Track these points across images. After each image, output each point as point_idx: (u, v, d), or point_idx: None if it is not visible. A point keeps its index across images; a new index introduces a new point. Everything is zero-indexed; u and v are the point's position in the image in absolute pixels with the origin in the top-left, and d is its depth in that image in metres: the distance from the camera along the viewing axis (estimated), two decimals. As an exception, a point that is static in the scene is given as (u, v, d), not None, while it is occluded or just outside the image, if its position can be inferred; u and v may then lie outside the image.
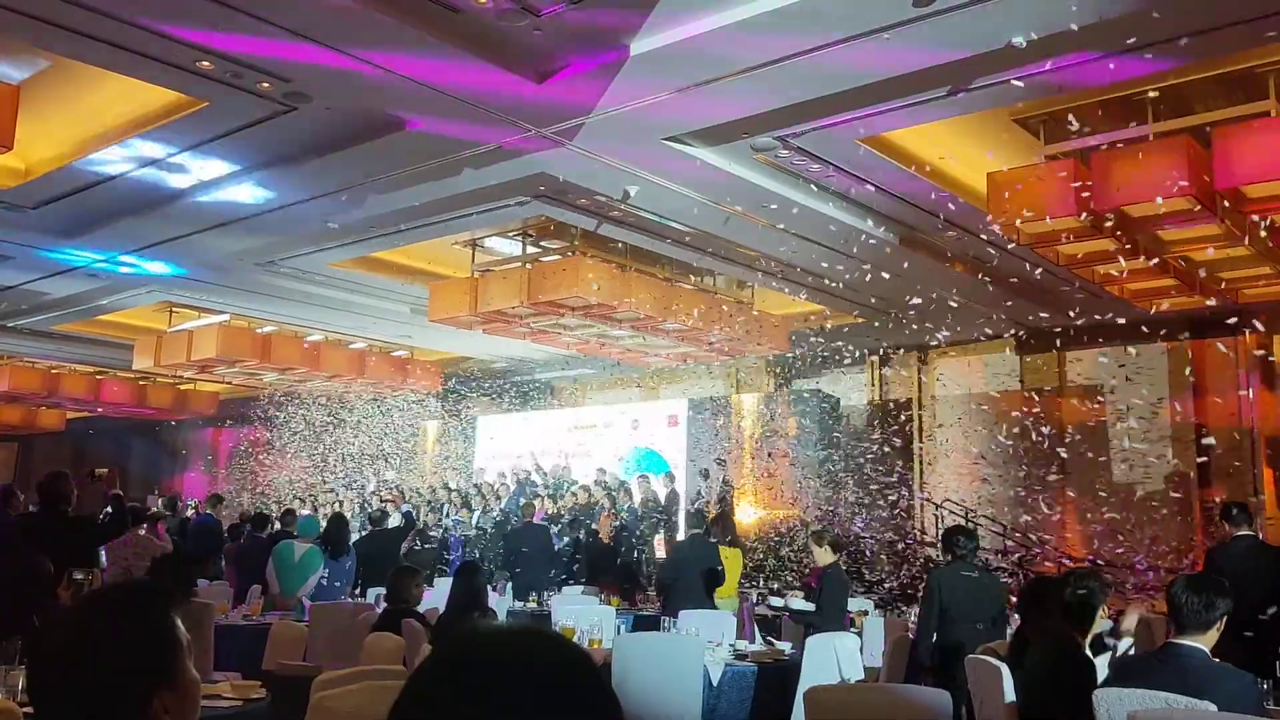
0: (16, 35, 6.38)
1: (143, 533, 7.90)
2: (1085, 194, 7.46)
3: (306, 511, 13.48)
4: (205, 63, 6.59)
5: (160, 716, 1.55)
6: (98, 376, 18.53)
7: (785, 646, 6.51)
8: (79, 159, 8.73)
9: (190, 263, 11.42)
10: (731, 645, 6.48)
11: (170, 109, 7.84)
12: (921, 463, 14.57)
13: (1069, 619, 3.72)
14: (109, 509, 6.92)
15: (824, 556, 6.83)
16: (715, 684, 5.61)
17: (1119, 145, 7.50)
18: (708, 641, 6.06)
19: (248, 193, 9.13)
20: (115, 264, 11.36)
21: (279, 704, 3.69)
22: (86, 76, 7.42)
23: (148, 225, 10.13)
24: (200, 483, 21.04)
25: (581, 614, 6.85)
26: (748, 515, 14.46)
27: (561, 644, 0.98)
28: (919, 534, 13.84)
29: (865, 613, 8.46)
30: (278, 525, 10.42)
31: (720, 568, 8.38)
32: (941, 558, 6.91)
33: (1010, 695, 3.47)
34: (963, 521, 13.16)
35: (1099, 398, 13.28)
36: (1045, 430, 13.26)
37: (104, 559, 5.91)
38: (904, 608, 10.62)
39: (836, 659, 5.46)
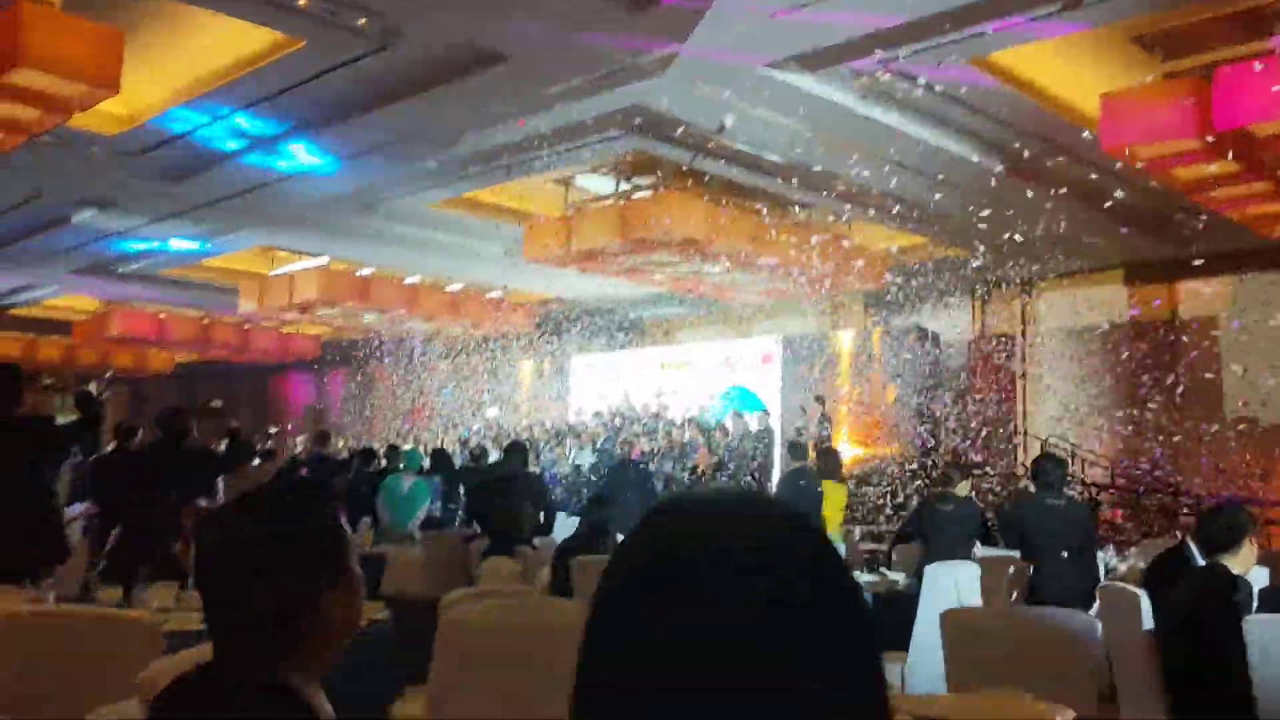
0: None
1: (255, 464, 8.13)
2: (1207, 114, 7.10)
3: (409, 446, 13.71)
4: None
5: (332, 614, 1.52)
6: (204, 321, 19.04)
7: (899, 577, 6.45)
8: (183, 104, 8.87)
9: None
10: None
11: (269, 51, 7.91)
12: (1025, 399, 14.23)
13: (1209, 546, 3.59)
14: (225, 441, 7.09)
15: (962, 490, 6.84)
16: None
17: (1244, 60, 7.11)
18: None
19: (345, 134, 9.19)
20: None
21: (400, 625, 3.76)
22: (188, 19, 7.50)
23: (249, 170, 10.29)
24: (303, 424, 21.54)
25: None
26: (845, 453, 14.30)
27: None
28: (1022, 471, 13.55)
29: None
30: (384, 461, 10.62)
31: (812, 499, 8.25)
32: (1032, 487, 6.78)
33: (1149, 623, 3.36)
34: (1068, 459, 12.87)
35: (1213, 330, 12.77)
36: (1156, 364, 12.86)
37: (222, 491, 6.08)
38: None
39: (956, 588, 5.37)
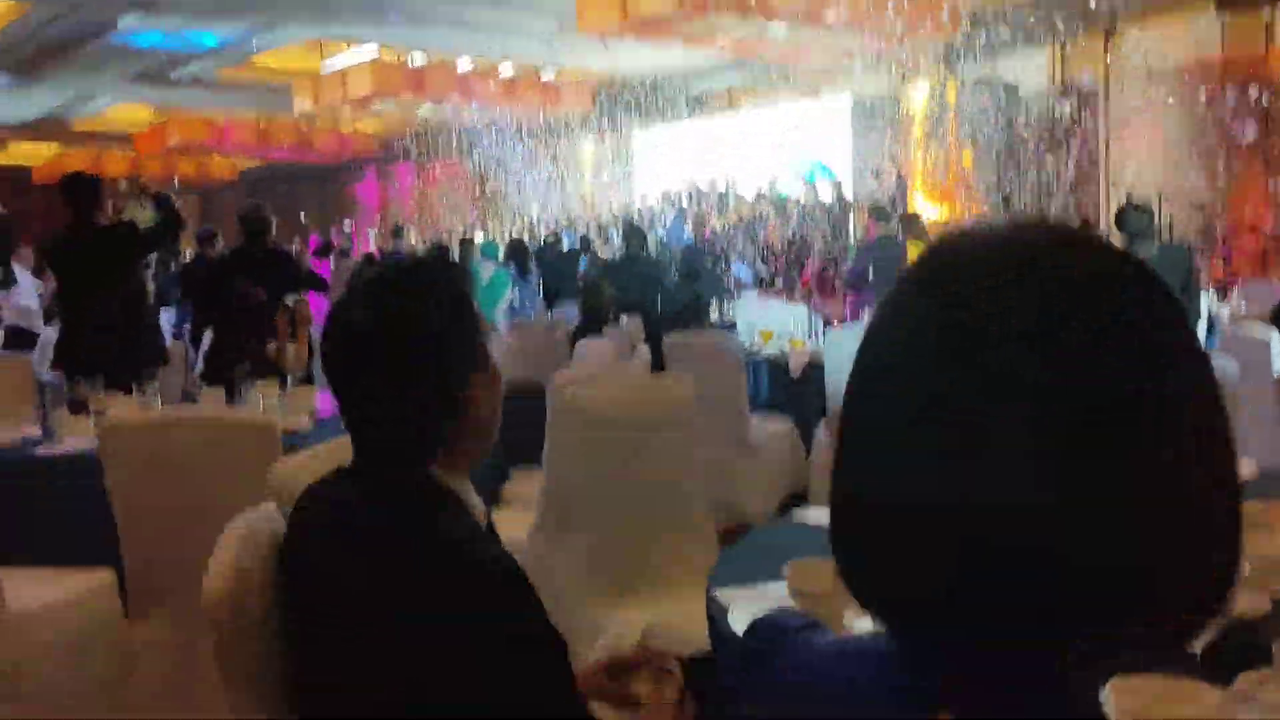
0: None
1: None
2: None
3: (481, 239, 13.69)
4: None
5: (479, 403, 1.42)
6: (261, 125, 18.83)
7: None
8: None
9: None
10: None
11: None
12: (1108, 147, 13.62)
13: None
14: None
15: None
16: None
17: None
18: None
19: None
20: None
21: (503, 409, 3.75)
22: None
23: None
24: (370, 223, 21.57)
25: (774, 316, 6.73)
26: (924, 214, 13.93)
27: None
28: (1107, 226, 13.14)
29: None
30: (457, 254, 10.60)
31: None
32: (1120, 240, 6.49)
33: (1278, 366, 3.23)
34: (1154, 207, 12.39)
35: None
36: (1251, 100, 12.16)
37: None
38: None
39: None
